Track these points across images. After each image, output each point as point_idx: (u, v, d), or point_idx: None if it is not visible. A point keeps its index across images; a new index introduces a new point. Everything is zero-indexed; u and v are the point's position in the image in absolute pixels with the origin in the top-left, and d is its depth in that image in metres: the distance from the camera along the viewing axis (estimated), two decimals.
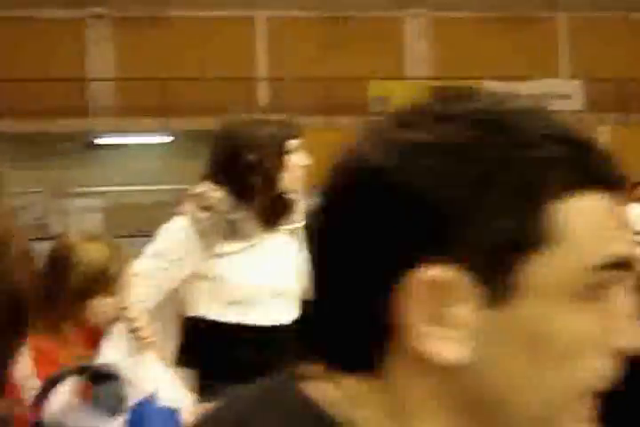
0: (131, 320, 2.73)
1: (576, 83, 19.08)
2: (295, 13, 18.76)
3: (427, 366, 0.71)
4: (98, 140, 19.61)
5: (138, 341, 2.71)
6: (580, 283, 0.70)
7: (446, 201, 0.69)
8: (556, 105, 18.54)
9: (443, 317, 0.70)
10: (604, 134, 18.39)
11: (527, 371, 0.71)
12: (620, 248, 0.72)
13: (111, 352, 2.68)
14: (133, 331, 2.72)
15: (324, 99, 17.07)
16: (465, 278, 0.70)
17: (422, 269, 0.69)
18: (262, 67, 18.92)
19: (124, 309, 2.72)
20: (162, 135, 19.45)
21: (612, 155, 0.75)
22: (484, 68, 18.04)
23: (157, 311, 3.27)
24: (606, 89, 18.55)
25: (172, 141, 19.25)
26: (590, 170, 0.72)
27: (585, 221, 0.71)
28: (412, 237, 0.70)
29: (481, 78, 18.06)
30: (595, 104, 18.62)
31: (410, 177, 0.70)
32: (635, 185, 11.38)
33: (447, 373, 0.71)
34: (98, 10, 18.79)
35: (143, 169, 19.01)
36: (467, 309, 0.70)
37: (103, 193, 18.53)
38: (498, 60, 18.26)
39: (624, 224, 0.74)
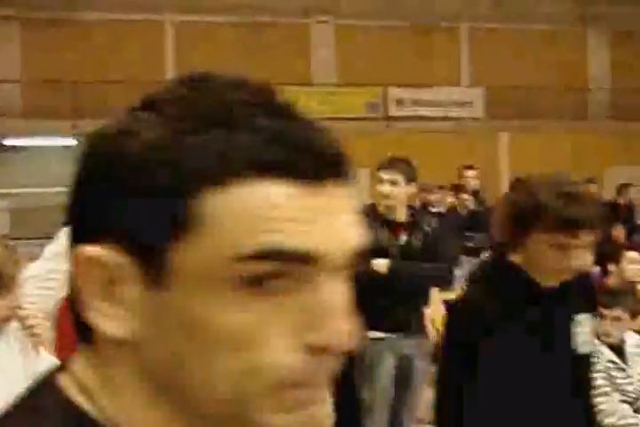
0: (24, 318, 2.74)
1: (477, 90, 19.38)
2: (204, 18, 18.72)
3: (113, 340, 0.72)
4: (5, 142, 19.24)
5: (32, 338, 2.72)
6: (232, 272, 0.68)
7: (105, 184, 0.71)
8: (458, 112, 18.85)
9: (109, 293, 0.71)
10: (503, 141, 18.77)
11: (191, 355, 0.70)
12: (277, 240, 0.68)
13: (5, 351, 2.68)
14: (27, 328, 2.72)
15: None
16: (126, 259, 0.70)
17: (90, 248, 0.71)
18: (170, 71, 18.82)
19: (18, 308, 2.73)
20: (70, 137, 19.18)
21: (318, 144, 0.71)
22: (388, 75, 18.24)
23: (55, 312, 3.28)
24: (506, 97, 18.89)
25: (81, 144, 18.94)
26: (262, 159, 0.69)
27: (237, 211, 0.68)
28: (83, 214, 0.72)
29: (385, 85, 18.28)
30: (495, 111, 18.95)
31: (95, 158, 0.74)
32: None
33: (126, 348, 0.72)
34: (6, 11, 18.44)
35: (51, 171, 18.71)
36: (130, 288, 0.71)
37: (10, 194, 18.20)
38: (401, 68, 18.48)
39: (304, 216, 0.69)
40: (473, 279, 2.77)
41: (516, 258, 2.56)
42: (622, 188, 12.64)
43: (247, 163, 0.69)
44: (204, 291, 0.69)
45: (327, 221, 0.70)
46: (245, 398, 0.70)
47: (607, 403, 4.73)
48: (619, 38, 20.35)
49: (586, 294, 2.71)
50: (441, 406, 2.60)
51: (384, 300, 5.02)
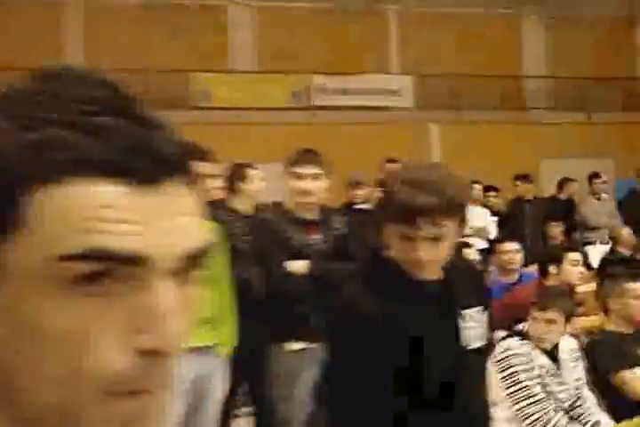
0: None
1: (407, 79, 19.48)
2: None
3: None
4: None
5: None
6: (57, 272, 0.71)
7: None
8: (386, 101, 18.95)
9: None
10: (434, 132, 18.93)
11: (20, 356, 0.73)
12: (99, 240, 0.71)
13: None
14: None
15: (143, 92, 16.84)
16: None
17: None
18: (77, 55, 18.55)
19: None
20: None
21: (153, 143, 0.74)
22: (312, 62, 18.22)
23: None
24: (437, 85, 19.03)
25: None
26: (90, 158, 0.71)
27: (63, 211, 0.71)
28: None
29: (309, 73, 18.27)
30: (426, 101, 19.07)
31: None
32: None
33: None
34: None
35: None
36: None
37: None
38: (327, 54, 18.49)
39: (133, 217, 0.72)
40: (352, 278, 2.76)
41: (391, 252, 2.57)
42: (563, 182, 12.75)
43: (75, 162, 0.71)
44: (32, 290, 0.71)
45: (159, 222, 0.74)
46: (73, 405, 0.73)
47: (540, 412, 4.79)
48: (556, 23, 20.65)
49: (474, 287, 2.74)
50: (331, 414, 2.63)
51: (303, 306, 4.99)
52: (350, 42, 18.87)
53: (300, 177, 5.12)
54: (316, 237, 5.14)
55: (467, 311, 2.62)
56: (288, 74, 18.17)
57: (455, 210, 2.48)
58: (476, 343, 2.64)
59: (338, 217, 5.38)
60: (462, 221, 2.53)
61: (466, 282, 2.70)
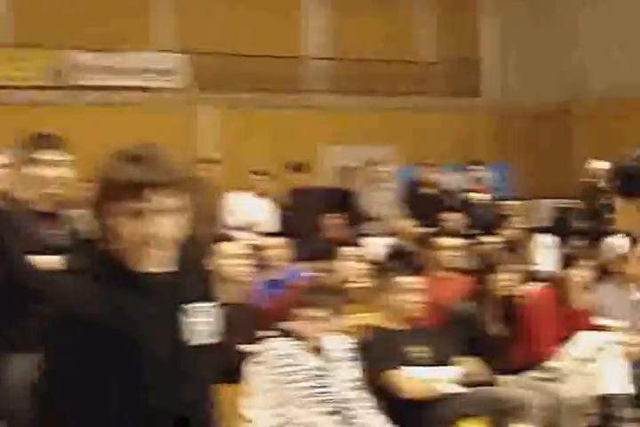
0: None
1: (180, 57, 19.31)
2: None
3: None
4: None
5: None
6: None
7: None
8: (157, 82, 18.78)
9: None
10: (209, 117, 18.91)
11: None
12: None
13: None
14: None
15: None
16: None
17: None
18: None
19: None
20: None
21: None
22: (72, 35, 17.81)
23: None
24: (215, 65, 18.96)
25: None
26: None
27: None
28: None
29: (68, 48, 17.86)
30: (201, 82, 18.97)
31: None
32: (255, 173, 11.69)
33: None
34: None
35: None
36: None
37: None
38: (89, 28, 18.08)
39: None
40: (77, 274, 2.79)
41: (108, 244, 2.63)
42: (342, 171, 12.91)
43: None
44: None
45: None
46: None
47: (306, 415, 4.91)
48: (340, 1, 20.95)
49: (203, 281, 2.83)
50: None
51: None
52: (115, 13, 18.49)
53: (39, 163, 4.99)
54: (57, 232, 5.04)
55: (191, 306, 2.68)
56: (44, 49, 17.68)
57: (179, 184, 2.58)
58: (205, 340, 2.70)
59: (80, 209, 5.30)
60: (193, 201, 2.62)
61: (194, 276, 2.77)
